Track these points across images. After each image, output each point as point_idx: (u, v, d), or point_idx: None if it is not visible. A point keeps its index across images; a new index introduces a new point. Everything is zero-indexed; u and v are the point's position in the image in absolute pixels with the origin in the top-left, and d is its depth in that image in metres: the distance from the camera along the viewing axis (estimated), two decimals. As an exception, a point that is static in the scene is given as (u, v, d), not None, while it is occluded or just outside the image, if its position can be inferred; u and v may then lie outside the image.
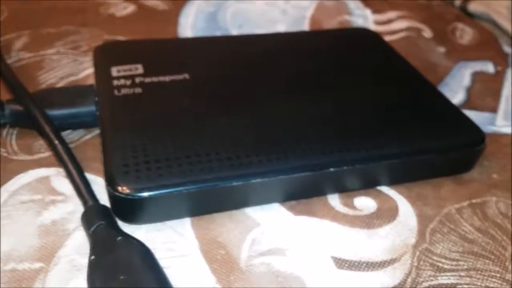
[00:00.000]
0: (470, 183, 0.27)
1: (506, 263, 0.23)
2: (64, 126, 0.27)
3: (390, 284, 0.22)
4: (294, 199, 0.25)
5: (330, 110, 0.27)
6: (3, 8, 0.38)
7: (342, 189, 0.25)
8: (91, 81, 0.29)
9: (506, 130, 0.31)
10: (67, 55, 0.34)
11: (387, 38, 0.38)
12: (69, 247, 0.22)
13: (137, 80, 0.27)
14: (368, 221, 0.24)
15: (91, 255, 0.20)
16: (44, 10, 0.38)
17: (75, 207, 0.23)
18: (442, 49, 0.39)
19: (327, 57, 0.32)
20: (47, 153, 0.26)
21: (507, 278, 0.22)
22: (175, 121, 0.25)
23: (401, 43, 0.39)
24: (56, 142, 0.24)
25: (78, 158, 0.24)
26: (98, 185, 0.24)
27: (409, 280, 0.22)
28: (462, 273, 0.22)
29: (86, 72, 0.32)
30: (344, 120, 0.26)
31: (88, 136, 0.27)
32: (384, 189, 0.26)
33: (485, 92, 0.35)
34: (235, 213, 0.24)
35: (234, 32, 0.39)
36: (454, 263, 0.23)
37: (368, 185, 0.26)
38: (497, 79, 0.37)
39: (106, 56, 0.29)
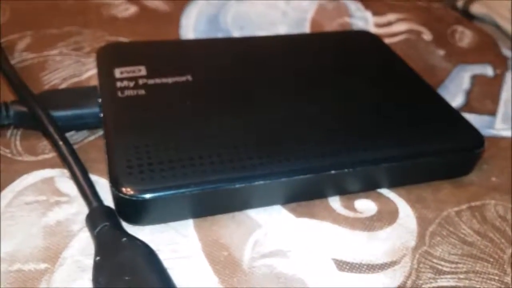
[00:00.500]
0: (469, 186, 0.27)
1: (505, 266, 0.23)
2: (68, 127, 0.27)
3: (390, 286, 0.22)
4: (296, 201, 0.25)
5: (331, 112, 0.27)
6: (5, 8, 0.38)
7: (343, 191, 0.26)
8: (94, 82, 0.29)
9: (505, 133, 0.32)
10: (70, 56, 0.34)
11: (387, 40, 0.39)
12: (74, 248, 0.22)
13: (140, 81, 0.27)
14: (369, 224, 0.25)
15: (96, 256, 0.20)
16: (47, 11, 0.38)
17: (80, 208, 0.24)
18: (441, 52, 0.40)
19: (328, 59, 0.32)
20: (51, 154, 0.26)
21: (506, 281, 0.23)
22: (178, 122, 0.25)
23: (401, 45, 0.40)
24: (61, 143, 0.24)
25: (82, 159, 0.24)
26: (102, 186, 0.24)
27: (409, 282, 0.22)
28: (461, 276, 0.23)
29: (89, 73, 0.32)
30: (345, 122, 0.27)
31: (92, 138, 0.28)
32: (384, 191, 0.26)
33: (484, 95, 0.35)
34: (238, 214, 0.24)
35: (235, 33, 0.39)
36: (454, 265, 0.23)
37: (368, 187, 0.26)
38: (496, 82, 0.37)
39: (109, 58, 0.29)
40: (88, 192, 0.23)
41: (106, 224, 0.21)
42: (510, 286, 0.22)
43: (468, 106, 0.34)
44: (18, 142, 0.27)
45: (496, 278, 0.23)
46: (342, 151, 0.25)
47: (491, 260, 0.24)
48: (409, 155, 0.26)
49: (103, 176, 0.25)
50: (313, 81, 0.30)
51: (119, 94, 0.26)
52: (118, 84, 0.27)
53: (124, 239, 0.20)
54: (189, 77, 0.28)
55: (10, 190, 0.24)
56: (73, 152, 0.24)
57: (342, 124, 0.27)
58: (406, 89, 0.30)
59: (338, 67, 0.32)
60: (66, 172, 0.25)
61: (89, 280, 0.20)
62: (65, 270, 0.21)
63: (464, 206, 0.26)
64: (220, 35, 0.39)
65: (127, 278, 0.19)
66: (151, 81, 0.27)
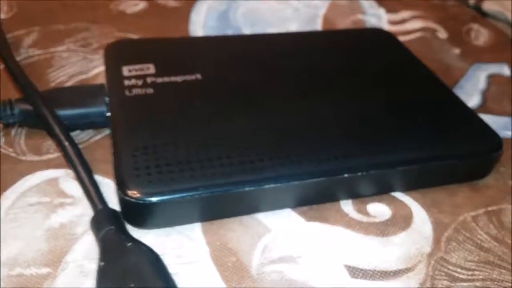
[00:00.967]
0: (486, 190, 0.27)
1: (523, 274, 0.23)
2: (74, 127, 0.26)
3: (404, 294, 0.21)
4: (307, 204, 0.24)
5: (344, 113, 0.27)
6: (12, 4, 0.37)
7: (355, 195, 0.25)
8: (101, 79, 0.28)
9: (522, 135, 0.31)
10: (77, 52, 0.33)
11: (401, 38, 0.38)
12: (77, 251, 0.21)
13: (149, 80, 0.27)
14: (383, 228, 0.24)
15: (100, 261, 0.20)
16: (54, 7, 0.38)
17: (84, 210, 0.23)
18: (457, 51, 0.39)
19: (341, 57, 0.32)
20: (56, 154, 0.26)
21: (524, 289, 0.22)
22: (186, 123, 0.24)
23: (415, 43, 0.39)
24: (66, 143, 0.23)
25: (88, 159, 0.24)
26: (107, 186, 0.24)
27: (424, 290, 0.21)
28: (478, 283, 0.22)
29: (96, 70, 0.32)
30: (359, 124, 0.26)
31: (98, 137, 0.27)
32: (398, 195, 0.26)
33: (501, 95, 0.34)
34: (246, 218, 0.23)
35: (246, 30, 0.38)
36: (470, 272, 0.22)
37: (382, 191, 0.25)
38: (514, 82, 0.36)
39: (117, 55, 0.29)
40: (94, 194, 0.22)
41: (111, 228, 0.21)
42: (529, 295, 0.22)
43: (484, 106, 0.33)
44: (22, 141, 0.26)
45: (514, 286, 0.22)
46: (356, 154, 0.24)
47: (509, 267, 0.23)
48: (425, 158, 0.25)
49: (108, 177, 0.24)
50: (327, 80, 0.29)
51: (127, 92, 0.26)
52: (126, 82, 0.26)
53: (129, 244, 0.20)
54: (199, 76, 0.27)
55: (13, 191, 0.24)
56: (79, 153, 0.23)
57: (356, 126, 0.26)
58: (422, 89, 0.29)
59: (352, 66, 0.31)
60: (71, 172, 0.24)
61: (92, 285, 0.19)
62: (68, 275, 0.20)
63: (480, 211, 0.25)
64: (230, 31, 0.38)
65: (132, 285, 0.18)
66: (159, 80, 0.27)
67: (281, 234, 0.23)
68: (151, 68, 0.27)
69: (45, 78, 0.31)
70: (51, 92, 0.27)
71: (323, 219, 0.24)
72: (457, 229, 0.24)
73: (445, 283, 0.22)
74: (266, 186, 0.22)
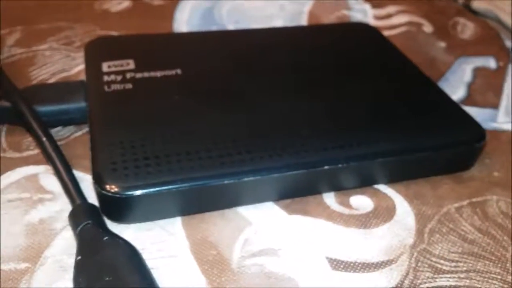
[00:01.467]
0: (470, 181, 0.26)
1: (507, 265, 0.22)
2: (54, 123, 0.26)
3: (386, 286, 0.21)
4: (288, 197, 0.24)
5: (325, 106, 0.26)
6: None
7: (337, 187, 0.25)
8: (83, 77, 0.28)
9: (507, 126, 0.31)
10: (60, 50, 0.33)
11: (387, 33, 0.38)
12: (56, 247, 0.21)
13: (128, 75, 0.26)
14: (365, 221, 0.24)
15: (77, 255, 0.19)
16: (38, 6, 0.38)
17: (64, 206, 0.23)
18: (442, 44, 0.39)
19: (323, 52, 0.31)
20: (36, 151, 0.26)
21: (508, 280, 0.22)
22: (165, 117, 0.24)
23: (400, 37, 0.39)
24: (44, 139, 0.23)
25: (68, 155, 0.24)
26: (87, 182, 0.23)
27: (406, 282, 0.21)
28: (462, 275, 0.22)
29: (78, 68, 0.32)
30: (340, 116, 0.26)
31: (79, 133, 0.27)
32: (381, 187, 0.25)
33: (487, 88, 0.34)
34: (227, 212, 0.23)
35: (230, 27, 0.38)
36: (453, 264, 0.22)
37: (364, 183, 0.25)
38: (499, 74, 0.36)
39: (97, 52, 0.29)
40: (72, 189, 0.22)
41: (88, 222, 0.20)
42: (513, 285, 0.22)
43: (469, 99, 0.33)
44: (2, 139, 0.26)
45: (498, 277, 0.22)
46: (336, 146, 0.24)
47: (493, 258, 0.23)
48: (407, 149, 0.25)
49: (88, 173, 0.24)
50: (307, 74, 0.29)
51: (106, 88, 0.26)
52: (105, 78, 0.26)
53: (106, 237, 0.20)
54: (179, 71, 0.27)
55: (-7, 187, 0.23)
56: (56, 148, 0.23)
57: (337, 118, 0.26)
58: (404, 81, 0.29)
59: (334, 60, 0.31)
60: (50, 168, 0.24)
61: (70, 280, 0.19)
62: (46, 270, 0.20)
63: (464, 202, 0.25)
64: (214, 29, 0.38)
65: (107, 278, 0.18)
66: (139, 75, 0.27)
67: (262, 227, 0.23)
68: (130, 64, 0.27)
69: (27, 76, 0.31)
70: (31, 89, 0.27)
71: (305, 212, 0.24)
72: (440, 221, 0.24)
73: (428, 274, 0.22)
74: (245, 179, 0.22)
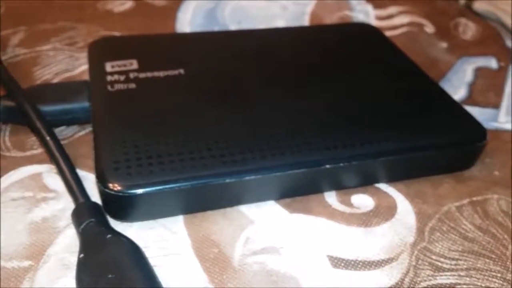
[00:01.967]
0: (470, 180, 0.27)
1: (507, 263, 0.22)
2: (58, 122, 0.27)
3: (387, 283, 0.21)
4: (290, 196, 0.24)
5: (327, 105, 0.26)
6: (0, 4, 0.38)
7: (339, 186, 0.25)
8: (87, 77, 0.28)
9: (508, 126, 0.31)
10: (63, 51, 0.33)
11: (389, 33, 0.38)
12: (59, 245, 0.21)
13: (131, 75, 0.27)
14: (366, 219, 0.24)
15: (80, 253, 0.20)
16: (41, 7, 0.38)
17: (67, 204, 0.23)
18: (444, 45, 0.39)
19: (325, 52, 0.31)
20: (39, 150, 0.26)
21: (508, 278, 0.22)
22: (168, 117, 0.24)
23: (402, 38, 0.39)
24: (48, 138, 0.23)
25: (72, 155, 0.24)
26: (91, 182, 0.24)
27: (406, 279, 0.21)
28: (462, 273, 0.22)
29: (81, 68, 0.32)
30: (341, 116, 0.26)
31: (82, 133, 0.27)
32: (382, 186, 0.26)
33: (488, 88, 0.34)
34: (229, 210, 0.23)
35: (233, 28, 0.38)
36: (454, 262, 0.22)
37: (366, 182, 0.25)
38: (500, 75, 0.36)
39: (100, 52, 0.29)
40: (75, 187, 0.22)
41: (91, 221, 0.21)
42: (513, 284, 0.22)
43: (471, 99, 0.33)
44: (7, 138, 0.26)
45: (498, 275, 0.22)
46: (338, 145, 0.24)
47: (493, 256, 0.23)
48: (408, 149, 0.25)
49: (92, 172, 0.24)
50: (310, 74, 0.29)
51: (109, 88, 0.26)
52: (109, 78, 0.26)
53: (109, 235, 0.20)
54: (182, 71, 0.27)
55: (-3, 187, 0.24)
56: (60, 147, 0.23)
57: (339, 117, 0.26)
58: (405, 81, 0.29)
59: (336, 60, 0.31)
60: (54, 167, 0.24)
61: (73, 278, 0.19)
62: (49, 267, 0.20)
63: (465, 201, 0.25)
64: (217, 29, 0.38)
65: (110, 276, 0.18)
66: (142, 75, 0.27)
67: (264, 226, 0.23)
68: (134, 64, 0.27)
69: (30, 76, 0.31)
70: (35, 88, 0.27)
71: (306, 210, 0.24)
72: (441, 219, 0.24)
73: (429, 272, 0.22)
74: (247, 178, 0.22)
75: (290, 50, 0.31)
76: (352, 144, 0.24)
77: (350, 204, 0.24)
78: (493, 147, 0.28)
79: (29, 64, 0.32)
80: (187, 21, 0.38)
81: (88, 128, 0.27)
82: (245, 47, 0.31)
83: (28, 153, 0.26)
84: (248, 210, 0.24)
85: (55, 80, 0.31)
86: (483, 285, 0.22)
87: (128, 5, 0.39)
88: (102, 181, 0.21)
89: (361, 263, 0.22)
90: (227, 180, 0.22)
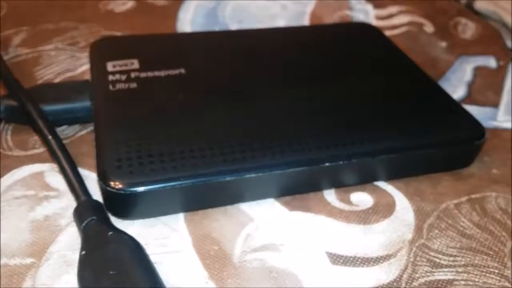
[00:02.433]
0: (469, 178, 0.27)
1: (505, 259, 0.23)
2: (60, 122, 0.27)
3: (385, 279, 0.21)
4: (289, 194, 0.25)
5: (326, 104, 0.27)
6: (2, 4, 0.38)
7: (338, 184, 0.25)
8: (88, 76, 0.28)
9: (507, 125, 0.31)
10: (65, 51, 0.34)
11: (388, 33, 0.38)
12: (61, 242, 0.22)
13: (133, 75, 0.27)
14: (365, 217, 0.24)
15: (82, 250, 0.20)
16: (43, 7, 0.38)
17: (68, 203, 0.23)
18: (444, 44, 0.39)
19: (326, 51, 0.32)
20: (41, 149, 0.26)
21: (505, 274, 0.22)
22: (169, 116, 0.25)
23: (402, 37, 0.39)
24: (50, 137, 0.24)
25: (73, 154, 0.24)
26: (92, 180, 0.24)
27: (405, 275, 0.22)
28: (460, 269, 0.22)
29: (83, 68, 0.32)
30: (341, 114, 0.26)
31: (84, 132, 0.27)
32: (381, 184, 0.26)
33: (487, 87, 0.34)
34: (229, 208, 0.24)
35: (233, 28, 0.39)
36: (452, 258, 0.23)
37: (365, 180, 0.26)
38: (499, 74, 0.36)
39: (102, 52, 0.29)
40: (76, 186, 0.22)
41: (93, 218, 0.21)
42: (510, 280, 0.22)
43: (470, 98, 0.33)
44: (9, 137, 0.27)
45: (496, 271, 0.22)
46: (337, 143, 0.24)
47: (491, 253, 0.23)
48: (408, 147, 0.25)
49: (93, 171, 0.25)
50: (310, 73, 0.29)
51: (111, 87, 0.26)
52: (110, 77, 0.27)
53: (111, 233, 0.20)
54: (182, 70, 0.28)
55: (-1, 185, 0.24)
56: (62, 146, 0.24)
57: (338, 116, 0.26)
58: (405, 80, 0.30)
59: (336, 59, 0.31)
60: (56, 166, 0.24)
61: (75, 275, 0.19)
62: (51, 265, 0.21)
63: (463, 199, 0.26)
64: (217, 29, 0.38)
65: (111, 272, 0.18)
66: (143, 74, 0.27)
67: (264, 223, 0.23)
68: (135, 64, 0.28)
69: (32, 76, 0.31)
70: (37, 88, 0.27)
71: (306, 208, 0.24)
72: (439, 217, 0.24)
73: (427, 268, 0.22)
74: (247, 176, 0.23)
75: (290, 50, 0.31)
76: (351, 143, 0.24)
77: (349, 202, 0.25)
78: (491, 146, 0.29)
79: (31, 64, 0.32)
80: (188, 20, 0.38)
81: (90, 127, 0.27)
82: (245, 47, 0.31)
83: (30, 152, 0.26)
84: (248, 207, 0.24)
85: (57, 80, 0.31)
86: (480, 281, 0.22)
87: (129, 5, 0.40)
88: (103, 179, 0.21)
89: (359, 260, 0.22)
90: (228, 178, 0.22)
